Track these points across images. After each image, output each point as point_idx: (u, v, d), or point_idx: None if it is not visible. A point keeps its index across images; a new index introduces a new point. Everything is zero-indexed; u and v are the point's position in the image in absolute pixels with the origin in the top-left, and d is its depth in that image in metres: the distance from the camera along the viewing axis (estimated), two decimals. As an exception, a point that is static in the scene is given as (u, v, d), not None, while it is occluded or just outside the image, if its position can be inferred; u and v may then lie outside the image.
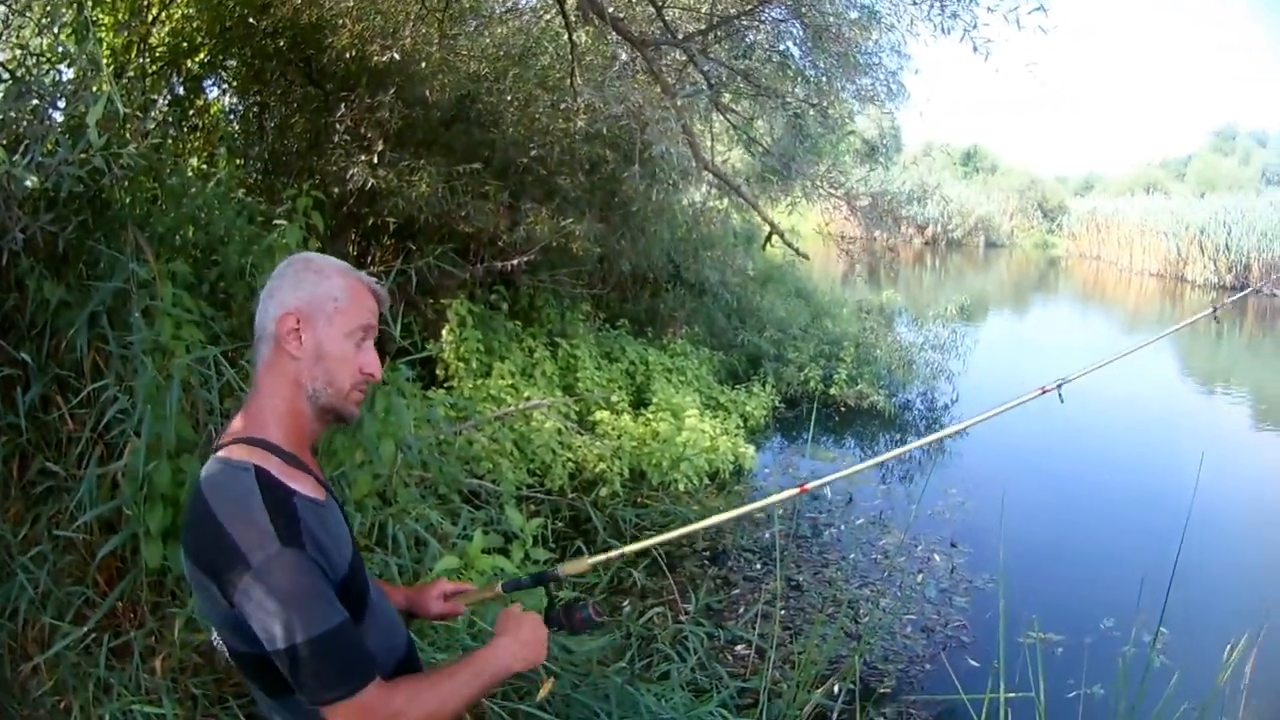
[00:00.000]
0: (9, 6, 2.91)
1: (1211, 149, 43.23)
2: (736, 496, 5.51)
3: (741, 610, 3.96)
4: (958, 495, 5.60)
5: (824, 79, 5.70)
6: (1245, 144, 42.81)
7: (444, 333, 5.69)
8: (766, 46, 5.50)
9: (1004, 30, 5.09)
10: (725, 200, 7.98)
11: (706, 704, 2.72)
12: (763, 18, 4.96)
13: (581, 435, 5.49)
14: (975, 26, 4.11)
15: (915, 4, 4.40)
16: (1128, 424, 7.97)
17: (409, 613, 1.50)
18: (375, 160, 5.09)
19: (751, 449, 6.02)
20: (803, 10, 4.70)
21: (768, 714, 2.58)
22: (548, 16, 5.56)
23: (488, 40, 5.68)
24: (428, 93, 5.27)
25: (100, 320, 2.59)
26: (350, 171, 4.98)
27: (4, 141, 2.40)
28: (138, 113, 3.97)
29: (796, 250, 7.15)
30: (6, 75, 2.76)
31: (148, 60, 4.79)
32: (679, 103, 4.72)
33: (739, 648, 3.59)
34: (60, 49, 2.88)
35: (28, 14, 2.91)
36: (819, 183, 6.74)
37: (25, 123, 2.44)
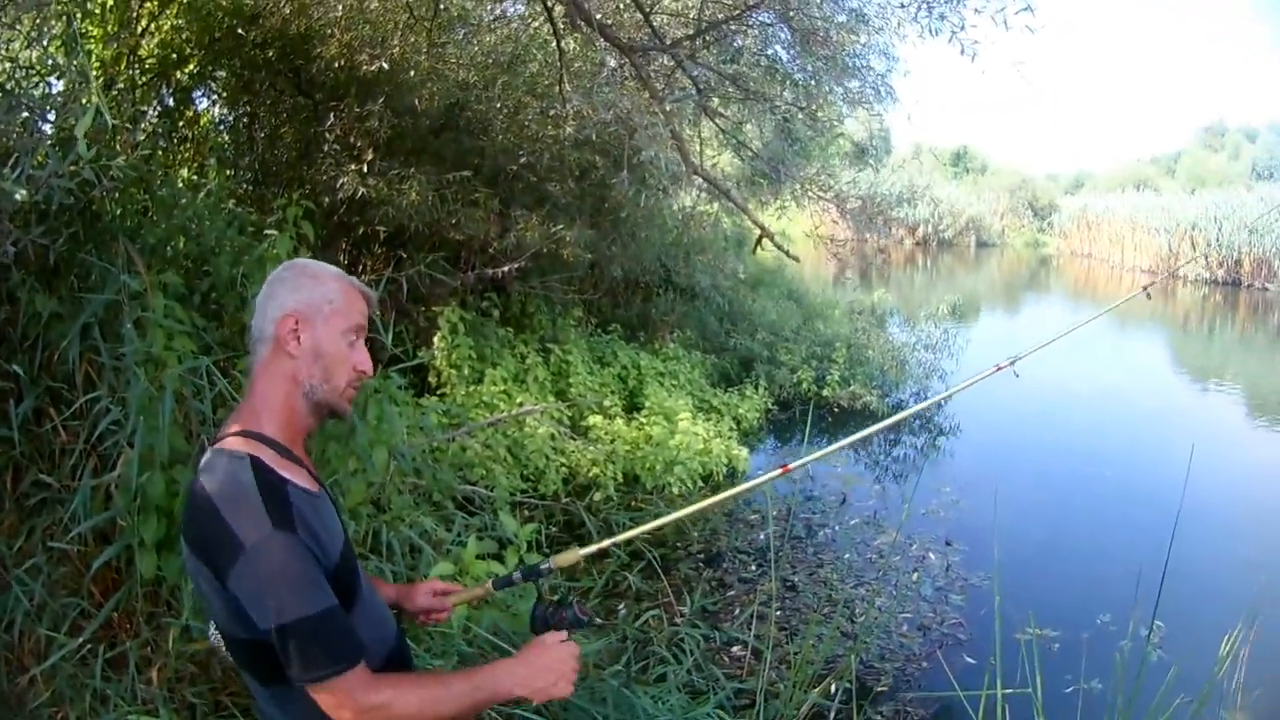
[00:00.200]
0: (-3, 20, 2.91)
1: (1201, 145, 43.60)
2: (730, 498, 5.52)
3: (737, 611, 3.97)
4: (951, 494, 5.63)
5: (812, 82, 5.74)
6: (1235, 139, 43.18)
7: (436, 340, 5.69)
8: (755, 51, 5.52)
9: (991, 31, 5.13)
10: (715, 204, 8.00)
11: (703, 705, 2.72)
12: (750, 22, 4.98)
13: (575, 440, 5.49)
14: (963, 28, 4.13)
15: (903, 6, 4.41)
16: (1119, 420, 8.02)
17: (398, 608, 1.52)
18: (365, 169, 5.10)
19: (745, 451, 6.03)
20: (791, 14, 4.72)
21: (764, 715, 2.58)
22: (536, 24, 5.57)
23: (476, 48, 5.70)
24: (417, 101, 5.28)
25: (92, 332, 2.60)
26: (340, 181, 4.98)
27: (-6, 155, 2.41)
28: (127, 124, 3.98)
29: (787, 253, 7.16)
30: (-5, 89, 2.76)
31: (137, 72, 4.79)
32: (668, 108, 4.75)
33: (735, 649, 3.60)
34: (49, 61, 2.90)
35: (17, 27, 2.92)
36: (808, 186, 6.76)
37: (15, 135, 2.44)
